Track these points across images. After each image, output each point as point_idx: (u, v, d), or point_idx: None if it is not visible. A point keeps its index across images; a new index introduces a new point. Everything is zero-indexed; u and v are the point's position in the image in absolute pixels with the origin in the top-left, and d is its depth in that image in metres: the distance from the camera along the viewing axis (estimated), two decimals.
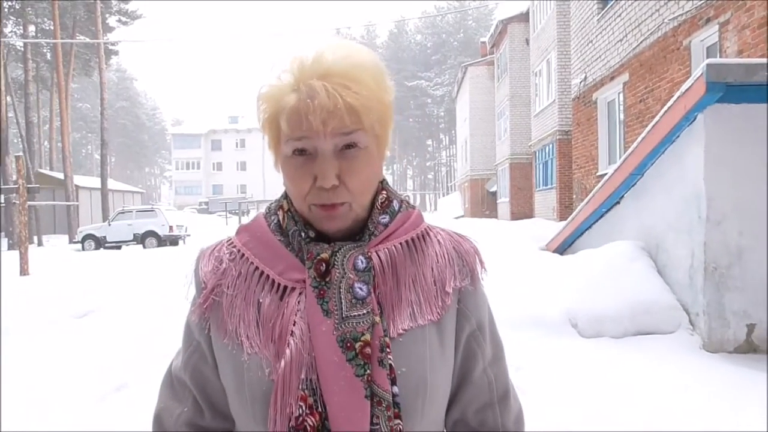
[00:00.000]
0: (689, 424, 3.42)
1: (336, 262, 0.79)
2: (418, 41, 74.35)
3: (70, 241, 26.25)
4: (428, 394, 0.80)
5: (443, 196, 63.53)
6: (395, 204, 0.87)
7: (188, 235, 24.38)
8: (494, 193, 31.55)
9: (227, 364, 0.82)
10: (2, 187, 20.79)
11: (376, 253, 0.82)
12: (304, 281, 0.80)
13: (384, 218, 0.84)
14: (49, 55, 35.70)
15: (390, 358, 0.77)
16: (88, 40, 33.97)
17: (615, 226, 7.01)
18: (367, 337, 0.76)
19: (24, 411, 3.91)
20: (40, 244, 27.30)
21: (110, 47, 35.99)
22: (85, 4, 33.13)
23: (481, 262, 0.90)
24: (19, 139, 34.56)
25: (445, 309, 0.83)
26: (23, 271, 11.37)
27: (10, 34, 35.69)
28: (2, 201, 21.87)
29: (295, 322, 0.78)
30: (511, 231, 15.40)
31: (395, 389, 0.77)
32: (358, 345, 0.76)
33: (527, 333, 5.31)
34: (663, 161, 5.78)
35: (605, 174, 7.91)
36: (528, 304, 5.83)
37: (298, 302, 0.79)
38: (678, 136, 5.41)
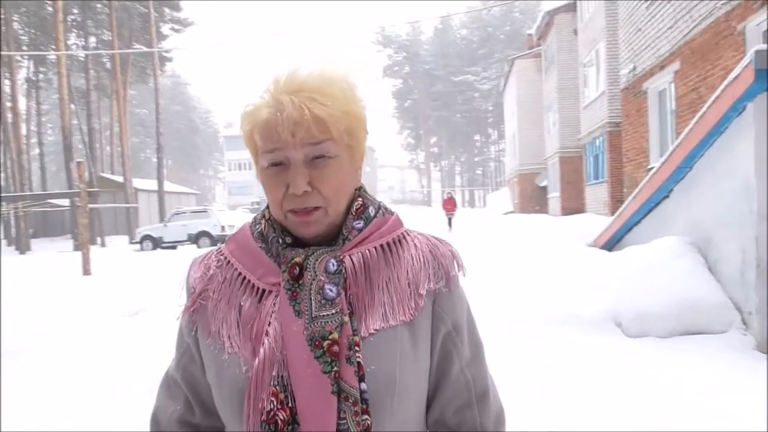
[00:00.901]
0: (742, 430, 3.30)
1: (308, 266, 0.83)
2: (463, 36, 73.56)
3: (130, 242, 27.25)
4: (397, 391, 0.82)
5: (492, 191, 62.83)
6: (371, 210, 0.90)
7: None
8: (544, 188, 30.98)
9: (211, 364, 0.88)
10: (68, 191, 21.87)
11: (349, 257, 0.85)
12: (280, 284, 0.84)
13: (358, 223, 0.88)
14: (108, 65, 37.13)
15: (359, 357, 0.80)
16: (144, 48, 35.19)
17: (664, 221, 6.81)
18: (335, 335, 0.80)
19: (75, 403, 4.13)
20: (103, 244, 28.49)
21: (164, 54, 37.18)
22: (141, 14, 34.32)
23: (459, 265, 0.92)
24: (83, 145, 36.10)
25: (419, 310, 0.86)
26: (86, 271, 11.89)
27: (72, 46, 37.37)
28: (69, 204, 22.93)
29: (270, 322, 0.83)
30: (558, 227, 15.14)
31: (363, 386, 0.79)
32: (326, 343, 0.79)
33: (566, 330, 5.23)
34: (712, 153, 5.59)
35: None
36: (568, 301, 5.75)
37: (274, 304, 0.84)
38: (727, 127, 5.22)
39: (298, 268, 0.83)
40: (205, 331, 0.89)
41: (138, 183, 37.20)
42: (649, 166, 12.18)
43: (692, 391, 3.85)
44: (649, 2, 12.07)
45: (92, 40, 38.61)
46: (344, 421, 0.78)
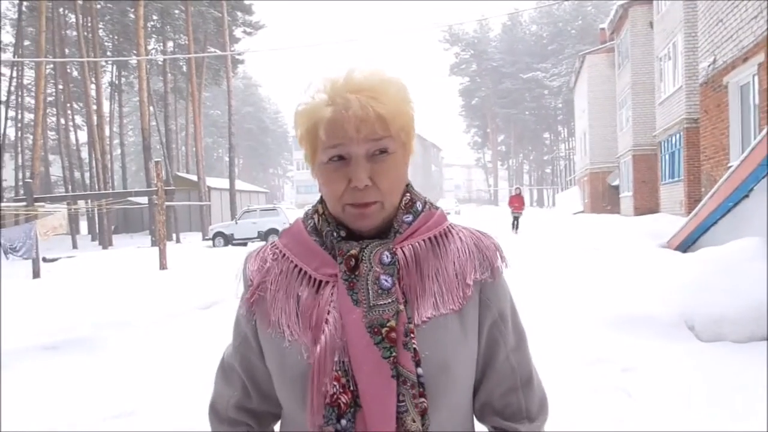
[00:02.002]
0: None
1: (364, 258, 0.88)
2: (533, 32, 72.02)
3: (203, 239, 28.31)
4: (450, 375, 0.87)
5: (561, 190, 61.26)
6: (418, 205, 0.95)
7: None
8: (616, 187, 29.94)
9: (272, 351, 0.93)
10: (147, 189, 23.00)
11: (401, 249, 0.90)
12: (336, 275, 0.89)
13: (408, 217, 0.93)
14: (184, 68, 38.80)
15: (414, 343, 0.84)
16: (218, 51, 36.51)
17: (743, 222, 6.49)
18: (393, 323, 0.84)
19: (155, 391, 4.37)
20: (178, 241, 29.69)
21: (237, 57, 38.44)
22: (215, 19, 35.61)
23: (502, 257, 0.95)
24: (160, 146, 37.80)
25: (467, 299, 0.90)
26: (162, 266, 12.44)
27: (152, 51, 39.27)
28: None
29: (329, 311, 0.87)
30: (631, 227, 14.64)
31: (419, 371, 0.84)
32: (384, 330, 0.84)
33: (638, 333, 5.09)
34: None
35: None
36: (640, 303, 5.57)
37: (332, 294, 0.88)
38: None
39: (354, 260, 0.88)
40: (264, 320, 0.94)
41: (211, 182, 38.55)
42: (729, 164, 11.57)
43: (762, 396, 3.67)
44: None
45: (170, 44, 40.45)
46: (403, 404, 0.82)
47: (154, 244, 24.54)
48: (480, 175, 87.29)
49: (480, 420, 0.98)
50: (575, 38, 63.71)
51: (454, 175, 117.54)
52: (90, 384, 4.48)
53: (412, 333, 0.85)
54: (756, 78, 10.77)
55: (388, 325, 0.84)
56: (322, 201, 0.96)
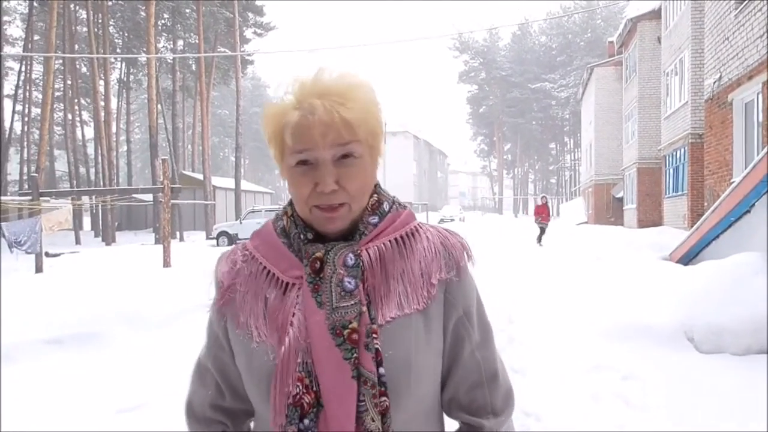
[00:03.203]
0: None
1: (328, 260, 0.89)
2: (542, 42, 72.18)
3: (207, 237, 28.36)
4: (413, 373, 0.88)
5: (566, 201, 61.27)
6: (385, 205, 0.96)
7: None
8: (620, 199, 29.99)
9: (241, 352, 0.95)
10: (152, 186, 23.11)
11: (366, 251, 0.91)
12: (303, 277, 0.90)
13: (373, 219, 0.94)
14: (194, 67, 38.99)
15: (377, 343, 0.86)
16: (228, 51, 36.70)
17: (745, 236, 6.54)
18: (354, 324, 0.86)
19: (143, 391, 4.44)
20: (181, 239, 29.80)
21: (246, 57, 38.64)
22: (226, 19, 35.82)
23: (468, 256, 0.96)
24: (167, 143, 37.94)
25: (431, 298, 0.91)
26: (166, 263, 12.45)
27: (162, 49, 39.50)
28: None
29: (294, 313, 0.89)
30: (633, 239, 14.68)
31: (381, 370, 0.85)
32: (346, 332, 0.86)
33: (637, 343, 5.14)
34: None
35: None
36: (640, 313, 5.63)
37: (297, 296, 0.90)
38: None
39: (319, 263, 0.89)
40: (234, 321, 0.96)
41: (216, 181, 38.66)
42: (732, 180, 11.62)
43: (760, 408, 3.72)
44: (738, 11, 11.54)
45: (180, 43, 40.68)
46: (363, 404, 0.85)
47: (157, 241, 24.59)
48: (485, 183, 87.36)
49: (448, 414, 0.99)
50: (584, 50, 63.82)
51: (460, 182, 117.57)
52: (98, 378, 4.55)
53: (375, 333, 0.86)
54: (760, 96, 10.83)
55: (350, 326, 0.86)
56: (291, 203, 0.97)
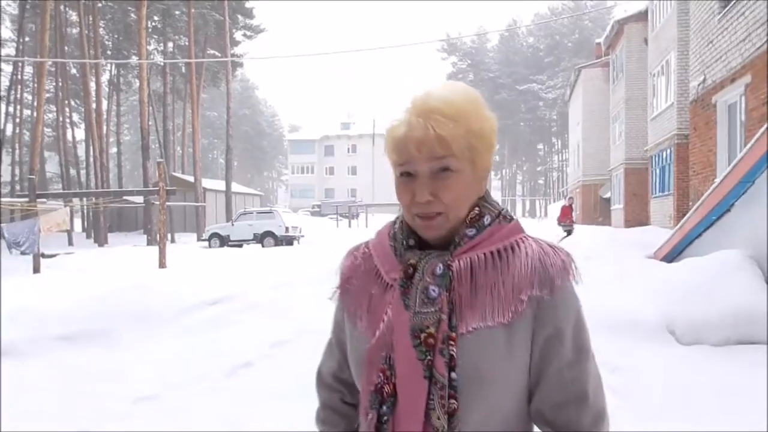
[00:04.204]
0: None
1: (420, 268, 0.97)
2: (530, 44, 72.77)
3: (198, 239, 28.35)
4: (485, 383, 0.92)
5: (554, 201, 61.76)
6: (486, 219, 1.00)
7: (302, 236, 25.39)
8: (608, 200, 30.40)
9: (349, 336, 1.08)
10: (145, 188, 23.20)
11: (458, 261, 0.96)
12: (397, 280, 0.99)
13: (471, 231, 0.98)
14: (183, 69, 38.98)
15: (452, 350, 0.91)
16: (217, 54, 36.72)
17: (726, 235, 6.83)
18: (432, 330, 0.92)
19: (157, 382, 4.64)
20: (173, 241, 29.79)
21: (236, 59, 38.69)
22: (216, 21, 35.85)
23: (570, 275, 0.97)
24: (157, 145, 37.87)
25: (517, 314, 0.93)
26: (161, 265, 12.53)
27: (153, 51, 39.47)
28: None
29: (387, 311, 0.98)
30: (620, 238, 14.99)
31: (453, 375, 0.91)
32: (423, 335, 0.92)
33: (624, 337, 5.41)
34: None
35: None
36: (625, 309, 5.90)
37: (392, 296, 0.98)
38: None
39: (412, 269, 0.97)
40: (347, 309, 1.08)
41: (206, 183, 38.59)
42: (716, 180, 11.97)
43: (742, 396, 4.00)
44: (721, 15, 11.90)
45: (170, 45, 40.66)
46: (432, 402, 0.91)
47: (149, 243, 24.61)
48: None
49: (535, 423, 1.02)
50: (572, 51, 64.44)
51: None
52: (112, 370, 4.76)
53: (452, 340, 0.92)
54: (743, 98, 11.19)
55: (427, 331, 0.92)
56: None
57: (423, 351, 0.92)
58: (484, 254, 0.96)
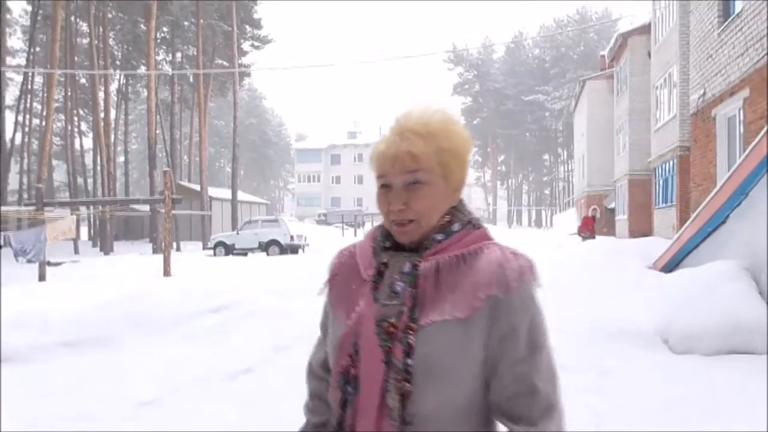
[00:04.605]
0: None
1: (390, 266, 1.10)
2: (536, 55, 73.07)
3: (204, 248, 28.46)
4: (438, 370, 1.01)
5: (559, 212, 61.72)
6: (456, 226, 1.11)
7: (307, 245, 25.49)
8: (612, 210, 30.41)
9: (330, 326, 1.20)
10: (152, 197, 23.40)
11: (425, 262, 1.07)
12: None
13: (439, 236, 1.09)
14: (191, 78, 39.38)
15: (411, 339, 1.01)
16: (225, 63, 37.04)
17: (721, 246, 6.92)
18: (394, 320, 1.04)
19: (159, 387, 4.77)
20: (178, 249, 29.92)
21: (244, 70, 39.04)
22: (224, 32, 36.18)
23: (528, 278, 1.06)
24: (164, 154, 38.12)
25: (474, 310, 1.02)
26: (166, 273, 12.65)
27: (161, 61, 39.86)
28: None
29: (359, 304, 1.10)
30: (622, 248, 15.03)
31: (410, 361, 1.00)
32: (385, 324, 1.04)
33: (617, 343, 5.51)
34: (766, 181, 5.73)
35: None
36: (621, 318, 5.99)
37: (365, 290, 1.11)
38: None
39: (384, 267, 1.10)
40: (332, 301, 1.21)
41: (212, 191, 38.74)
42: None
43: (731, 404, 4.08)
44: (720, 29, 12.03)
45: (178, 55, 41.06)
46: (389, 385, 1.01)
47: (155, 251, 24.74)
48: (479, 194, 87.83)
49: (493, 415, 1.09)
50: (577, 63, 64.62)
51: None
52: (116, 375, 4.89)
53: (411, 330, 1.02)
54: (741, 111, 11.29)
55: (389, 321, 1.04)
56: None
57: (384, 339, 1.03)
58: (450, 257, 1.07)
